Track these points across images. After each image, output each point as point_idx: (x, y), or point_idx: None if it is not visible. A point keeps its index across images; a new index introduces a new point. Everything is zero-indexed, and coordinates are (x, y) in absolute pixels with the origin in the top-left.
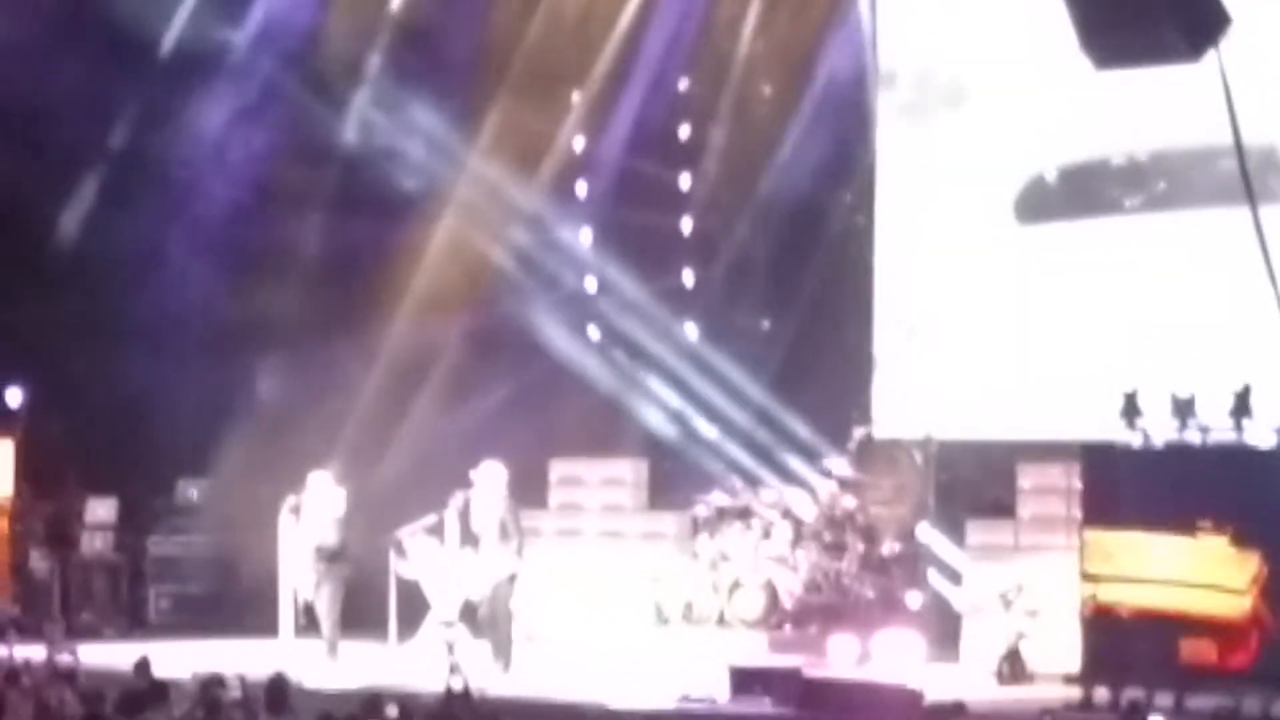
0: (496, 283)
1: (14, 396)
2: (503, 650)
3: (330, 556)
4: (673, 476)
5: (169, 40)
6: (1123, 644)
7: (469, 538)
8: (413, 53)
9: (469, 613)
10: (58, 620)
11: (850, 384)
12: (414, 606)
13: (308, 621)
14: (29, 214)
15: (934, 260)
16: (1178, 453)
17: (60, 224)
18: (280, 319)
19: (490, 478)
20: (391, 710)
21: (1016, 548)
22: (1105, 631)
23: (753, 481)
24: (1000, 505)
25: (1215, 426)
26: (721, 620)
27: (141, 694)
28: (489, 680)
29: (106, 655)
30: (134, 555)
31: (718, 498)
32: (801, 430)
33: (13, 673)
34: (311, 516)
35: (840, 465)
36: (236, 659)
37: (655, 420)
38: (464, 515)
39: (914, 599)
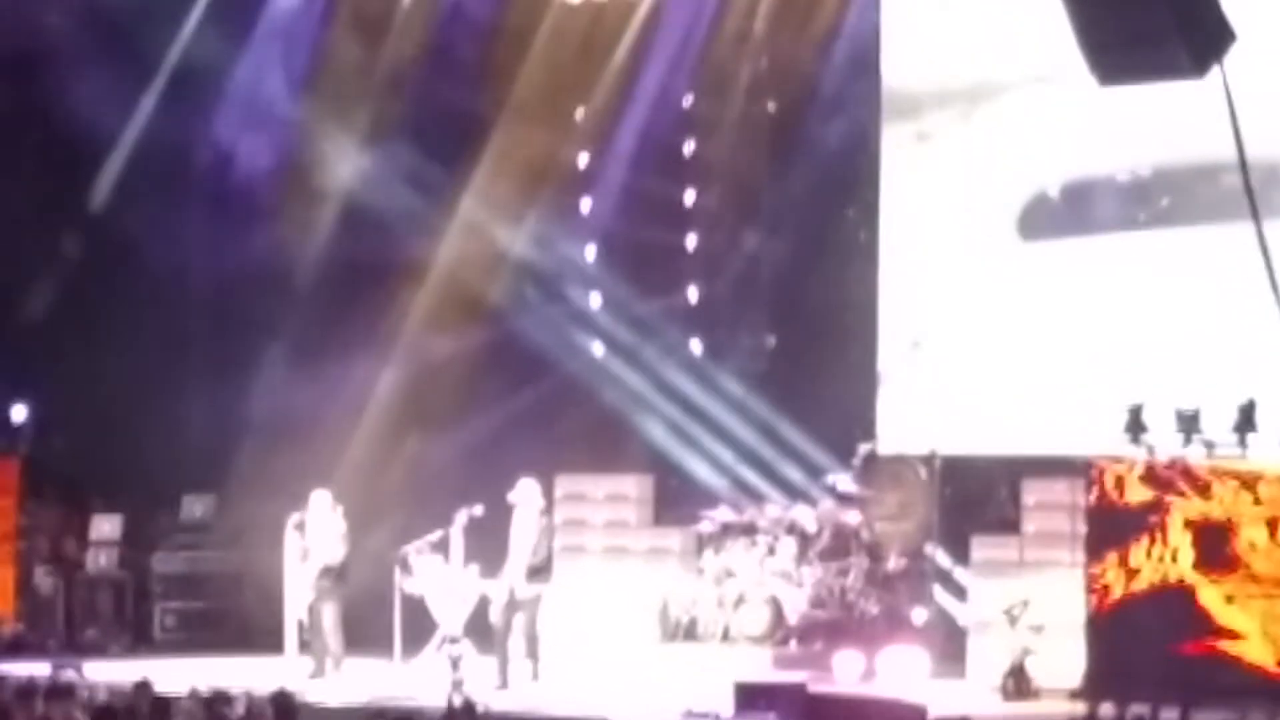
0: (502, 299)
1: (19, 413)
2: (534, 666)
3: (331, 574)
4: (678, 493)
5: (175, 53)
6: (1128, 653)
7: (477, 554)
8: (418, 68)
9: (474, 629)
10: (62, 637)
11: (855, 400)
12: (419, 623)
13: (312, 638)
14: (34, 228)
15: (938, 276)
16: None
17: (65, 239)
18: (286, 335)
19: (528, 496)
20: None
21: (1021, 563)
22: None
23: (757, 498)
24: (1005, 521)
25: (1220, 441)
26: (726, 636)
27: (142, 714)
28: (493, 696)
29: (111, 672)
30: (139, 572)
31: (723, 514)
32: (806, 446)
33: (21, 690)
34: (313, 534)
35: (845, 481)
36: (242, 676)
37: (660, 436)
38: (469, 531)
39: (919, 615)
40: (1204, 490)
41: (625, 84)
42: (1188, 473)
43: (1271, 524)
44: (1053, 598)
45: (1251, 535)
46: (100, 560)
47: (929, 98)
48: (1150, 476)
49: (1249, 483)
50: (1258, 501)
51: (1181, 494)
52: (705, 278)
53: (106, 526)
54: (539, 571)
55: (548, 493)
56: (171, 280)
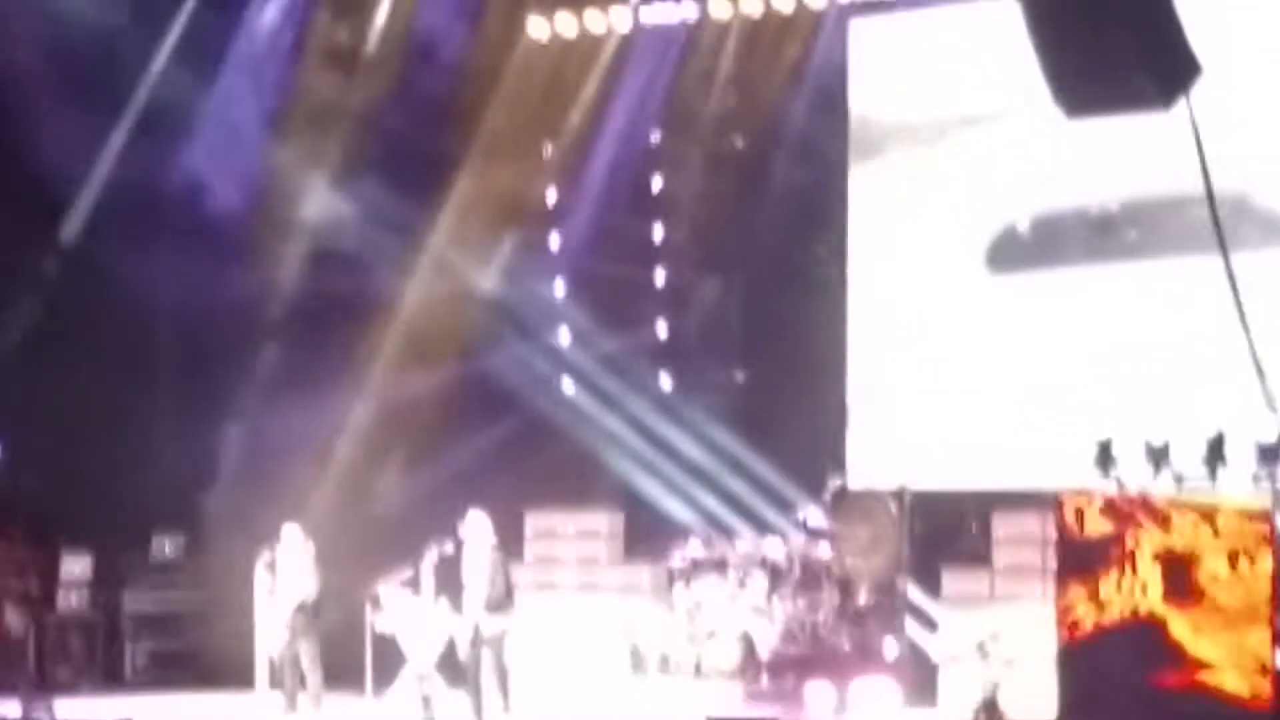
0: (471, 335)
1: None
2: (504, 700)
3: (306, 609)
4: (648, 528)
5: (145, 89)
6: (1099, 686)
7: (447, 590)
8: (388, 105)
9: (446, 665)
10: (33, 677)
11: (825, 434)
12: (390, 659)
13: (286, 675)
14: (2, 267)
15: (907, 310)
16: None
17: (35, 276)
18: (256, 372)
19: (477, 530)
20: None
21: (992, 597)
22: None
23: (728, 532)
24: (975, 554)
25: (1189, 475)
26: (698, 671)
27: None
28: None
29: (83, 711)
30: (110, 611)
31: (693, 549)
32: (776, 481)
33: None
34: (284, 569)
35: (815, 516)
36: (213, 713)
37: (630, 472)
38: (440, 568)
39: (890, 648)
40: (1164, 522)
41: (594, 121)
42: (1147, 505)
43: (1232, 556)
44: (1024, 630)
45: (1214, 567)
46: (71, 600)
47: (896, 132)
48: (1110, 509)
49: (1207, 515)
50: (1217, 534)
51: (1142, 526)
52: (674, 313)
53: (77, 567)
54: (499, 605)
55: (519, 529)
56: (141, 318)
